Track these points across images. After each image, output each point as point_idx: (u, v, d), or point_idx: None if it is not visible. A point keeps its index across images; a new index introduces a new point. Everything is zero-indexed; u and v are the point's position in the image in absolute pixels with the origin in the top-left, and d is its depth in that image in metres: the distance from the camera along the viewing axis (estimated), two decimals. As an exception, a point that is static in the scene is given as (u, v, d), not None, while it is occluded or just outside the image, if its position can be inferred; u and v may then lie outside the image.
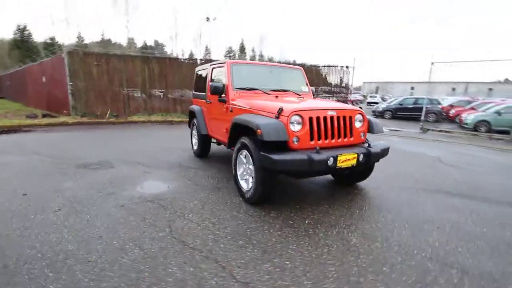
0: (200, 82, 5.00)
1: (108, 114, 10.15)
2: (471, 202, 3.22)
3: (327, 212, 2.84)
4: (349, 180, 3.65)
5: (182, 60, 11.98)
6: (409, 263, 2.00)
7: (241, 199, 3.09)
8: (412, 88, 48.80)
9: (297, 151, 2.64)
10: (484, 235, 2.45)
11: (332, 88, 13.97)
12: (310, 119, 2.74)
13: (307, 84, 4.28)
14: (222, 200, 3.07)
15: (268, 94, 3.73)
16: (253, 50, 51.15)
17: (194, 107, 4.88)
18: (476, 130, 10.87)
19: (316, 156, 2.52)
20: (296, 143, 2.67)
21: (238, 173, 3.19)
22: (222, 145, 4.60)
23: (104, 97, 10.35)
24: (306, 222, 2.60)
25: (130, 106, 10.91)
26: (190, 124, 5.42)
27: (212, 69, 4.32)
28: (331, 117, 2.86)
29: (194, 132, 5.10)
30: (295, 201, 3.10)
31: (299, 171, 2.70)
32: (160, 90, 11.32)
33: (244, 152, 3.03)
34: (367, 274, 1.86)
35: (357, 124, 3.08)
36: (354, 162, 2.80)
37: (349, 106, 3.23)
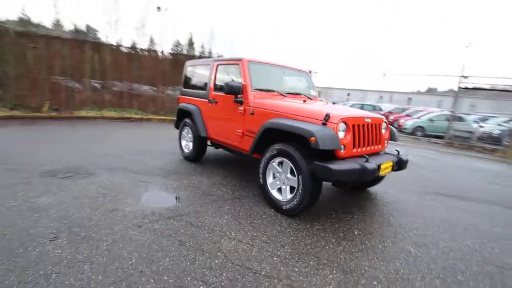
0: (195, 79, 4.50)
1: (47, 107, 8.45)
2: (467, 203, 3.61)
3: (364, 220, 2.81)
4: (362, 187, 3.72)
5: (141, 50, 10.74)
6: (473, 268, 2.09)
7: (272, 210, 2.85)
8: (348, 95, 54.09)
9: (346, 160, 2.54)
10: (502, 234, 2.75)
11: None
12: (353, 126, 2.67)
13: (314, 88, 4.23)
14: (254, 213, 2.77)
15: (286, 96, 3.54)
16: (202, 46, 49.54)
17: (189, 106, 4.35)
18: (413, 134, 12.61)
19: (369, 165, 2.46)
20: (343, 151, 2.57)
21: (268, 182, 2.92)
22: (216, 148, 4.22)
23: (41, 87, 8.57)
24: (356, 233, 2.52)
25: (75, 99, 9.30)
26: (178, 124, 4.84)
27: (217, 65, 3.90)
28: (367, 125, 2.85)
29: (186, 133, 4.57)
30: (324, 209, 2.99)
31: (348, 181, 2.60)
32: (116, 83, 9.94)
33: (278, 159, 2.80)
34: (453, 286, 1.86)
35: (383, 132, 3.14)
36: (390, 170, 2.84)
37: (375, 114, 3.27)
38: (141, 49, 10.73)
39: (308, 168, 2.49)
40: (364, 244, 2.32)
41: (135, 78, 10.25)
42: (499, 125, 12.90)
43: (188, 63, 4.73)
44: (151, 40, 42.46)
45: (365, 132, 2.81)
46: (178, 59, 10.91)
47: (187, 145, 4.57)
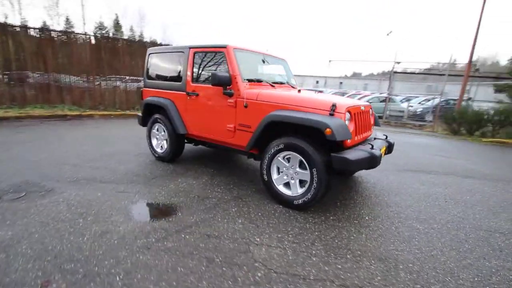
0: (164, 69, 3.98)
1: None
2: (432, 176, 4.12)
3: (367, 205, 2.95)
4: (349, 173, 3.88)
5: (59, 34, 9.01)
6: (471, 236, 2.38)
7: (281, 206, 2.75)
8: (317, 82, 56.28)
9: (355, 149, 2.57)
10: (472, 200, 3.21)
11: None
12: (354, 115, 2.72)
13: (293, 77, 4.17)
14: (265, 212, 2.63)
15: (274, 87, 3.41)
16: (131, 29, 44.82)
17: (161, 101, 3.84)
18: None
19: (377, 152, 2.54)
20: (349, 140, 2.59)
21: (274, 178, 2.80)
22: (195, 145, 3.89)
23: None
24: (366, 218, 2.62)
25: (-16, 95, 7.44)
26: (145, 121, 4.27)
27: (194, 53, 3.50)
28: (362, 112, 2.94)
29: (158, 131, 4.06)
30: (326, 198, 3.03)
31: (357, 169, 2.64)
32: (37, 73, 8.23)
33: (284, 154, 2.69)
34: (470, 256, 2.09)
35: (371, 118, 3.30)
36: (384, 154, 3.00)
37: (363, 101, 3.39)
38: (61, 32, 8.99)
39: (322, 160, 2.45)
40: (380, 228, 2.43)
41: (60, 67, 8.65)
42: (420, 103, 15.16)
43: (152, 50, 4.15)
44: (68, 21, 36.56)
45: (361, 120, 2.89)
46: (115, 45, 9.61)
47: (160, 144, 4.09)
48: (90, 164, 3.79)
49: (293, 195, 2.68)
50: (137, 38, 38.40)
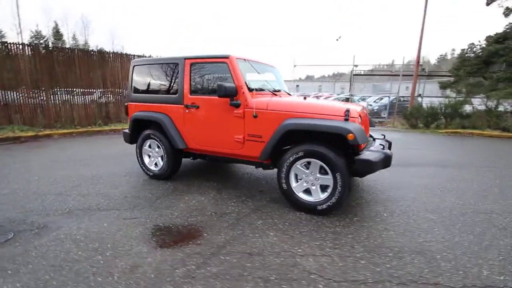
0: (154, 82, 3.74)
1: None
2: (417, 168, 4.50)
3: (378, 201, 3.10)
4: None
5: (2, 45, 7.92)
6: (477, 219, 2.66)
7: (302, 213, 2.76)
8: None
9: (371, 151, 2.70)
10: (460, 187, 3.59)
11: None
12: (362, 118, 2.87)
13: (284, 83, 4.24)
14: (291, 221, 2.61)
15: (276, 95, 3.43)
16: (74, 38, 41.30)
17: (154, 115, 3.58)
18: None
19: (390, 152, 2.71)
20: (363, 144, 2.72)
21: (293, 186, 2.80)
22: (194, 159, 3.73)
23: None
24: (385, 215, 2.76)
25: None
26: (133, 138, 3.96)
27: (191, 64, 3.35)
28: (365, 115, 3.12)
29: (151, 148, 3.79)
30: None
31: (378, 170, 2.75)
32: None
33: (303, 161, 2.71)
34: (485, 238, 2.32)
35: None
36: (388, 152, 3.21)
37: (361, 104, 3.58)
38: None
39: (345, 164, 2.53)
40: (401, 223, 2.58)
41: (5, 82, 7.58)
42: (375, 102, 16.57)
43: (137, 62, 3.86)
44: (-2, 32, 32.32)
45: (365, 123, 3.07)
46: (69, 55, 8.72)
47: (154, 161, 3.82)
48: (76, 191, 3.37)
49: (316, 200, 2.71)
50: (81, 46, 35.28)
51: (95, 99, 9.28)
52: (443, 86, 11.00)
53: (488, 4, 9.67)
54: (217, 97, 3.18)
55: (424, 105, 9.80)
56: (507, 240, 2.29)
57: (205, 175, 4.06)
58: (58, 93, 8.48)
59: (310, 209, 2.73)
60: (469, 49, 10.37)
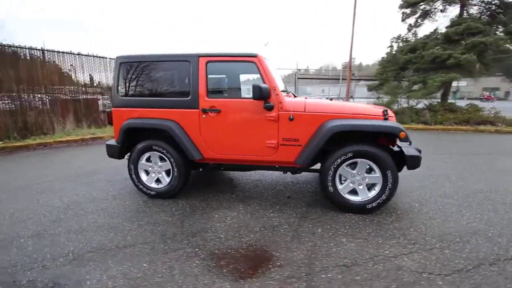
0: (158, 82, 3.13)
1: None
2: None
3: (401, 195, 3.33)
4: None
5: None
6: (479, 197, 3.16)
7: (351, 214, 2.75)
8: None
9: (407, 148, 2.87)
10: (453, 173, 4.20)
11: (83, 89, 8.74)
12: (388, 117, 3.06)
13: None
14: (350, 224, 2.55)
15: (292, 95, 3.34)
16: None
17: (160, 122, 2.98)
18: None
19: (417, 148, 2.95)
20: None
21: (339, 187, 2.76)
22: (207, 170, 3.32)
23: None
24: (417, 205, 2.99)
25: None
26: (124, 152, 3.24)
27: (207, 62, 2.93)
28: None
29: (151, 162, 3.16)
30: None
31: None
32: None
33: (349, 162, 2.70)
34: (505, 216, 2.76)
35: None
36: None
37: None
38: None
39: (393, 162, 2.63)
40: (434, 212, 2.83)
41: None
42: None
43: (126, 59, 3.13)
44: None
45: None
46: None
47: (155, 177, 3.19)
48: (61, 227, 2.53)
49: (364, 200, 2.73)
50: None
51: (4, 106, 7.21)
52: (370, 89, 12.83)
53: (402, 20, 11.81)
54: (245, 100, 2.91)
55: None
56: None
57: (211, 186, 3.62)
58: None
59: (358, 208, 2.74)
60: (387, 56, 12.40)
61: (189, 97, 2.97)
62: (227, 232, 2.45)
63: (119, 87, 3.17)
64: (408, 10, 11.32)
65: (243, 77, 3.34)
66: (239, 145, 2.97)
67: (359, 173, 2.73)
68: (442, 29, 11.10)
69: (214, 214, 2.82)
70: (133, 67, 3.14)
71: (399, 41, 12.51)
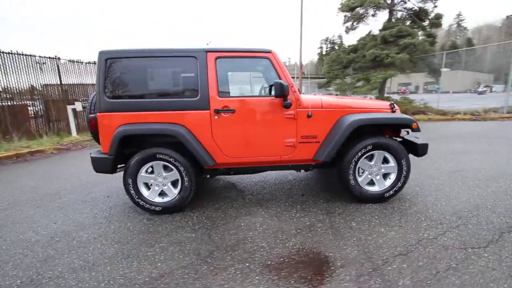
0: (154, 82, 2.71)
1: None
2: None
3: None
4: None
5: None
6: (466, 177, 3.64)
7: (371, 204, 2.86)
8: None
9: (413, 137, 3.12)
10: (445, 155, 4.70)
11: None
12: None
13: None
14: (376, 214, 2.65)
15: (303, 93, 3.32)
16: None
17: (167, 127, 2.59)
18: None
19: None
20: None
21: (359, 180, 2.84)
22: (212, 176, 3.07)
23: None
24: (417, 189, 3.28)
25: None
26: (116, 164, 2.74)
27: (217, 58, 2.66)
28: None
29: (155, 173, 2.74)
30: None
31: None
32: None
33: (368, 154, 2.80)
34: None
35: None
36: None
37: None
38: None
39: (405, 152, 2.83)
40: (443, 191, 3.17)
41: None
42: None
43: (113, 53, 2.61)
44: None
45: None
46: None
47: (158, 190, 2.79)
48: (65, 264, 2.00)
49: (382, 189, 2.87)
50: None
51: None
52: (320, 86, 13.75)
53: (344, 23, 12.93)
54: (263, 98, 2.78)
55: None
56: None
57: (215, 193, 3.35)
58: None
59: (378, 198, 2.86)
60: (331, 55, 13.46)
61: (198, 97, 2.67)
62: (266, 240, 2.28)
63: (106, 88, 2.65)
64: (349, 14, 12.44)
65: (252, 75, 3.16)
66: (256, 146, 2.81)
67: (376, 164, 2.86)
68: (375, 32, 12.58)
69: (239, 222, 2.61)
70: (124, 64, 2.66)
71: (327, 42, 13.74)
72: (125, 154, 2.79)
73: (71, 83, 8.73)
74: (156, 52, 2.67)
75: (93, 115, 2.72)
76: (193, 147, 2.65)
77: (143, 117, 2.66)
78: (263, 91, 3.17)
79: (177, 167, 2.71)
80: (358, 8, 12.45)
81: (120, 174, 2.80)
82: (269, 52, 2.73)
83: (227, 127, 2.74)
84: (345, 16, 12.67)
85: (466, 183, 3.42)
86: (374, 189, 2.89)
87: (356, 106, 2.88)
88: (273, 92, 2.69)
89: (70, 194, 3.51)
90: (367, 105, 2.93)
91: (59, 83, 8.39)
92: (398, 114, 2.85)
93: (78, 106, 8.31)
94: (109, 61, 2.63)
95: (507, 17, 49.92)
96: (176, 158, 2.68)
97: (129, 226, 2.60)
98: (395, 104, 3.00)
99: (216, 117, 2.70)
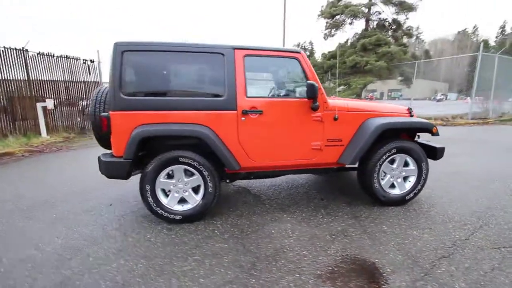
0: (177, 79, 2.49)
1: None
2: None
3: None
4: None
5: None
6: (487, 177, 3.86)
7: (393, 207, 2.89)
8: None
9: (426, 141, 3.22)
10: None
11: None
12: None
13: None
14: (403, 217, 2.68)
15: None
16: None
17: (192, 128, 2.37)
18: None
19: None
20: None
21: (382, 183, 2.86)
22: (231, 181, 2.91)
23: None
24: (428, 191, 3.40)
25: None
26: (130, 169, 2.47)
27: (245, 56, 2.52)
28: None
29: (175, 178, 2.51)
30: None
31: None
32: None
33: (390, 158, 2.84)
34: None
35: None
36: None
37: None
38: None
39: (425, 155, 2.91)
40: (451, 196, 3.31)
41: None
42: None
43: (132, 46, 2.36)
44: None
45: None
46: None
47: (178, 197, 2.56)
48: (90, 287, 1.72)
49: (403, 192, 2.92)
50: None
51: None
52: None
53: (326, 29, 13.34)
54: (292, 99, 2.71)
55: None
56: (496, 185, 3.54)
57: (231, 200, 3.18)
58: None
59: (399, 201, 2.91)
60: (311, 61, 13.81)
61: (224, 97, 2.51)
62: (306, 247, 2.19)
63: (122, 84, 2.38)
64: (330, 20, 12.86)
65: (265, 76, 3.05)
66: (283, 149, 2.71)
67: (398, 168, 2.91)
68: (351, 40, 13.16)
69: (269, 229, 2.48)
70: (143, 59, 2.42)
71: (299, 48, 14.14)
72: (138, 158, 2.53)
73: (42, 78, 7.86)
74: (180, 47, 2.46)
75: (106, 114, 2.42)
76: (220, 150, 2.47)
77: (163, 117, 2.43)
78: (285, 92, 3.09)
79: (200, 172, 2.51)
80: (338, 16, 12.92)
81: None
82: (299, 52, 2.66)
83: (254, 129, 2.60)
84: (326, 22, 13.07)
85: (469, 184, 3.62)
86: (396, 192, 2.93)
87: (379, 110, 2.92)
88: (297, 94, 2.62)
89: (63, 203, 3.10)
90: (388, 109, 2.98)
91: (26, 78, 7.52)
92: (419, 119, 2.94)
93: (50, 103, 7.51)
94: (126, 54, 2.37)
95: (458, 32, 55.36)
96: (201, 162, 2.49)
97: (150, 238, 2.34)
98: (412, 109, 3.09)
99: (243, 118, 2.56)
